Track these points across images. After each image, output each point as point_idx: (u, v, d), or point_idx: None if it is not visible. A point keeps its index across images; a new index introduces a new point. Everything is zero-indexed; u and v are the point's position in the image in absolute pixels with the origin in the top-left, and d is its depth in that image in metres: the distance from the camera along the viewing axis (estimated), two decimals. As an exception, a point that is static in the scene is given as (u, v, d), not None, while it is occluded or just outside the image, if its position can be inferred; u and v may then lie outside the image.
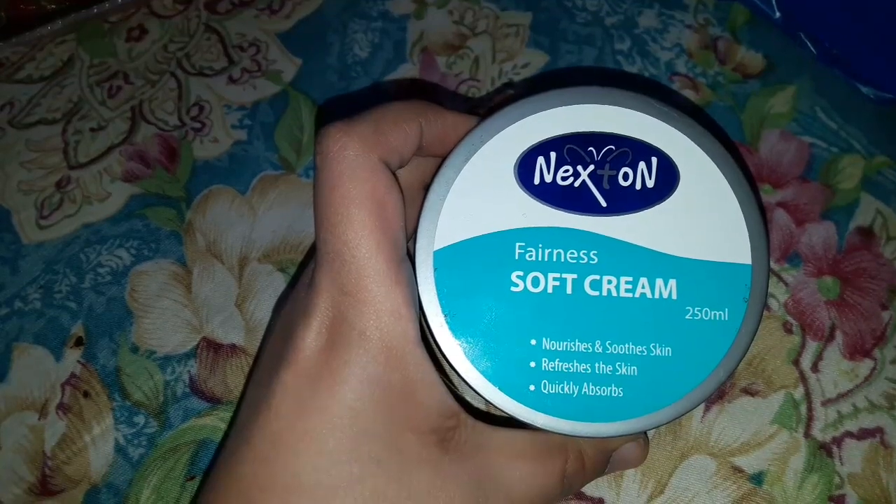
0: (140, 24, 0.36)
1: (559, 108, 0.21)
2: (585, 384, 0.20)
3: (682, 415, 0.20)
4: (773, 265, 0.30)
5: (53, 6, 0.35)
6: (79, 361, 0.29)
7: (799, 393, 0.28)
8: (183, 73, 0.35)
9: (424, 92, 0.34)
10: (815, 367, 0.28)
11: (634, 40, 0.34)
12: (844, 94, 0.32)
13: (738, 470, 0.27)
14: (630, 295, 0.20)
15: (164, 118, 0.34)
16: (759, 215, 0.20)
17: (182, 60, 0.35)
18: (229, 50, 0.35)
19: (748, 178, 0.21)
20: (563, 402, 0.20)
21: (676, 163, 0.21)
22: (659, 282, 0.20)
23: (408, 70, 0.34)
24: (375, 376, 0.19)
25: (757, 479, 0.26)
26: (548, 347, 0.20)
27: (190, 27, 0.36)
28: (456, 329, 0.20)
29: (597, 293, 0.20)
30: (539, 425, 0.20)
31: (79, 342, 0.30)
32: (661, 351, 0.20)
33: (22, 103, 0.35)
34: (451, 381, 0.21)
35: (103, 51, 0.35)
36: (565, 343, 0.20)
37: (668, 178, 0.21)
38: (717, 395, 0.28)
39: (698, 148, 0.21)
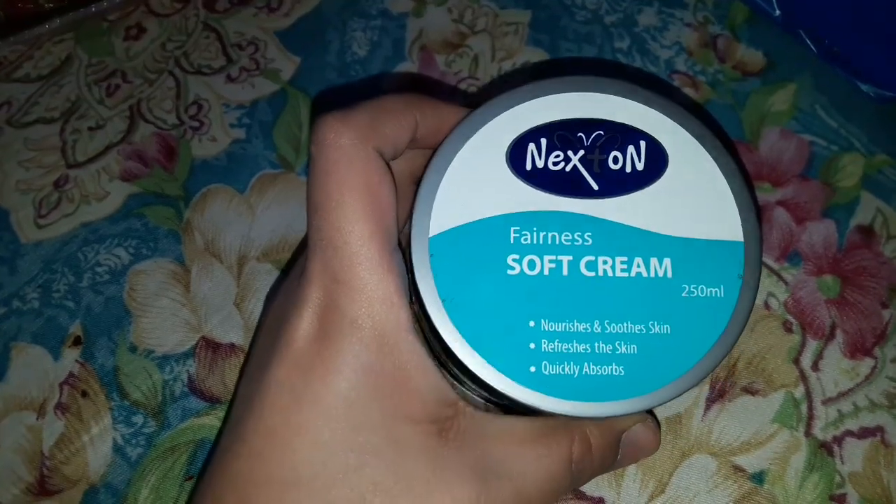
0: (138, 23, 0.36)
1: (548, 97, 0.21)
2: (586, 364, 0.20)
3: (684, 391, 0.20)
4: (773, 264, 0.29)
5: (51, 5, 0.35)
6: (77, 361, 0.29)
7: (799, 392, 0.27)
8: (181, 71, 0.35)
9: (424, 88, 0.34)
10: (815, 366, 0.28)
11: (634, 38, 0.34)
12: (845, 92, 0.32)
13: (738, 469, 0.26)
14: (626, 275, 0.20)
15: (162, 117, 0.34)
16: (748, 192, 0.21)
17: (180, 59, 0.35)
18: (228, 48, 0.35)
19: (734, 157, 0.21)
20: (564, 383, 0.20)
21: (664, 145, 0.21)
22: (654, 261, 0.20)
23: (407, 68, 0.34)
24: (368, 365, 0.18)
25: (758, 478, 0.26)
26: (547, 329, 0.20)
27: (188, 26, 0.36)
28: (454, 313, 0.20)
29: (593, 274, 0.20)
30: (541, 407, 0.20)
31: (77, 341, 0.29)
32: (659, 329, 0.20)
33: (20, 102, 0.34)
34: (448, 371, 0.21)
35: (101, 49, 0.35)
36: (564, 324, 0.20)
37: (657, 160, 0.21)
38: (718, 394, 0.27)
39: (684, 130, 0.21)
